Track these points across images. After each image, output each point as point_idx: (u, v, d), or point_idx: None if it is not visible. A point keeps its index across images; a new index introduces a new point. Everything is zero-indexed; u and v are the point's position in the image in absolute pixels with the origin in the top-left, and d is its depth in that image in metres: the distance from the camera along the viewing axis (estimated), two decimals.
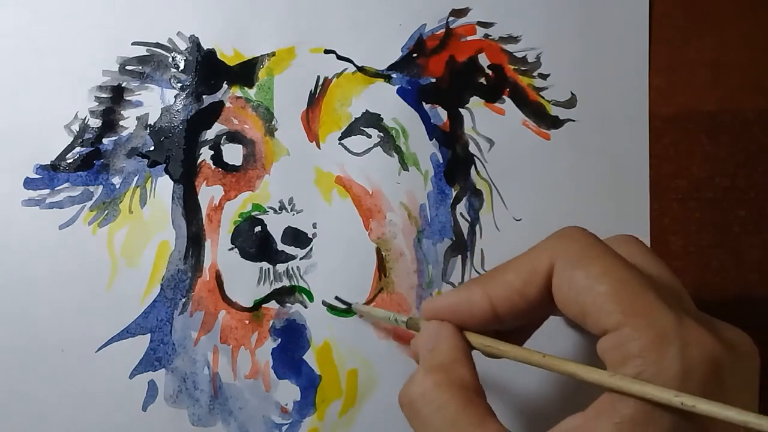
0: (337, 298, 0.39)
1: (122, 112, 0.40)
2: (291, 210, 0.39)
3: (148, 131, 0.40)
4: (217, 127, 0.40)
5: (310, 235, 0.39)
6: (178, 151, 0.40)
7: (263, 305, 0.39)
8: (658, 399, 0.24)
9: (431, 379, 0.29)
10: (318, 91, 0.40)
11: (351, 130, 0.40)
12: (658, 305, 0.26)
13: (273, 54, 0.41)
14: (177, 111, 0.40)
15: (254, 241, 0.39)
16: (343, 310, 0.39)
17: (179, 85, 0.40)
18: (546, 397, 0.33)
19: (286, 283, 0.39)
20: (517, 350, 0.29)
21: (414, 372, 0.30)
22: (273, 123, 0.40)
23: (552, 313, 0.31)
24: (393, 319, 0.35)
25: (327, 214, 0.40)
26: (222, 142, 0.40)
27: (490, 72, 0.41)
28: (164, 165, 0.40)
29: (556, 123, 0.41)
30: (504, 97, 0.41)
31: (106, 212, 0.39)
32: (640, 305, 0.26)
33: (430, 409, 0.28)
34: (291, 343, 0.39)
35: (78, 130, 0.40)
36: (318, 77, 0.40)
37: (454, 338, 0.30)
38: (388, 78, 0.41)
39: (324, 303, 0.39)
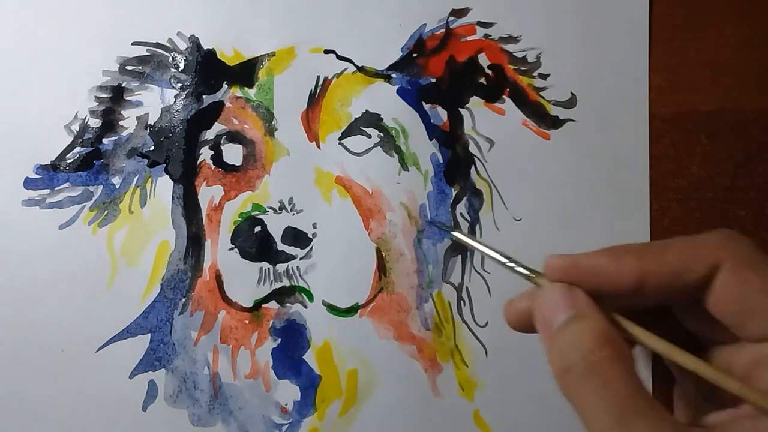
0: (433, 222, 0.38)
1: (122, 112, 0.40)
2: (291, 210, 0.39)
3: (148, 131, 0.40)
4: (217, 127, 0.40)
5: (310, 235, 0.39)
6: (178, 151, 0.40)
7: (263, 305, 0.39)
8: None
9: (604, 351, 0.27)
10: (318, 91, 0.40)
11: (351, 130, 0.40)
12: None
13: (273, 54, 0.41)
14: (177, 111, 0.40)
15: (254, 241, 0.39)
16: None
17: (179, 85, 0.40)
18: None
19: (286, 283, 0.39)
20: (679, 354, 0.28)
21: (569, 337, 0.27)
22: (273, 123, 0.40)
23: (685, 304, 0.30)
24: (510, 264, 0.30)
25: (327, 214, 0.40)
26: (222, 142, 0.40)
27: (490, 72, 0.41)
28: (164, 165, 0.40)
29: (556, 123, 0.41)
30: (504, 97, 0.41)
31: (106, 212, 0.39)
32: None
33: (604, 380, 0.26)
34: (291, 343, 0.39)
35: (78, 130, 0.40)
36: (318, 77, 0.40)
37: (599, 312, 0.28)
38: (388, 78, 0.41)
39: (324, 303, 0.39)
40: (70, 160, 0.40)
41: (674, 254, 0.28)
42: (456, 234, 0.32)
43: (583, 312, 0.28)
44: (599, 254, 0.29)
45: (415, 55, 0.41)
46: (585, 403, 0.26)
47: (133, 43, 0.40)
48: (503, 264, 0.30)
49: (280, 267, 0.39)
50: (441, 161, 0.40)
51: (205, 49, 0.40)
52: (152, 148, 0.40)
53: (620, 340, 0.27)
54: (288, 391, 0.39)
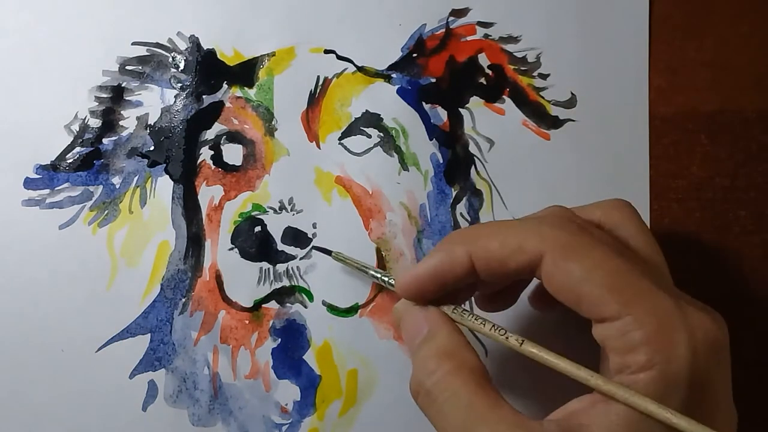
0: (315, 247, 0.39)
1: (122, 112, 0.40)
2: (291, 210, 0.39)
3: (148, 131, 0.40)
4: (217, 127, 0.40)
5: (310, 235, 0.39)
6: (178, 151, 0.40)
7: (263, 305, 0.39)
8: (644, 410, 0.26)
9: (443, 368, 0.29)
10: (318, 91, 0.40)
11: (351, 130, 0.40)
12: (655, 292, 0.27)
13: (273, 54, 0.41)
14: (177, 111, 0.40)
15: (254, 241, 0.39)
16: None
17: (179, 85, 0.40)
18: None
19: (286, 283, 0.39)
20: (493, 334, 0.30)
21: (419, 361, 0.30)
22: (273, 123, 0.40)
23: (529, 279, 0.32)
24: (381, 278, 0.36)
25: (327, 214, 0.40)
26: (222, 142, 0.40)
27: (490, 72, 0.41)
28: (164, 165, 0.40)
29: (556, 123, 0.41)
30: (504, 97, 0.41)
31: (106, 212, 0.39)
32: (638, 294, 0.27)
33: (445, 396, 0.29)
34: (291, 343, 0.39)
35: (78, 130, 0.40)
36: (318, 77, 0.40)
37: (448, 323, 0.31)
38: (388, 78, 0.41)
39: (324, 303, 0.39)
40: (70, 160, 0.40)
41: (499, 242, 0.30)
42: (336, 255, 0.38)
43: (431, 331, 0.31)
44: (434, 253, 0.31)
45: (415, 55, 0.41)
46: (435, 421, 0.29)
47: (133, 43, 0.40)
48: (372, 275, 0.36)
49: (280, 267, 0.39)
50: (441, 161, 0.40)
51: (205, 49, 0.40)
52: (152, 148, 0.40)
53: (463, 350, 0.30)
54: (288, 391, 0.39)
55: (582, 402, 0.28)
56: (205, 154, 0.40)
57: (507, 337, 0.30)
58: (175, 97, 0.40)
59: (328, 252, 0.38)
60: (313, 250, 0.39)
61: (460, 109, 0.41)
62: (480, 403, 0.28)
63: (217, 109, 0.40)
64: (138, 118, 0.40)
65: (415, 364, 0.30)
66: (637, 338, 0.26)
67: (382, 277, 0.36)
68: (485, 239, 0.30)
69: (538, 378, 0.35)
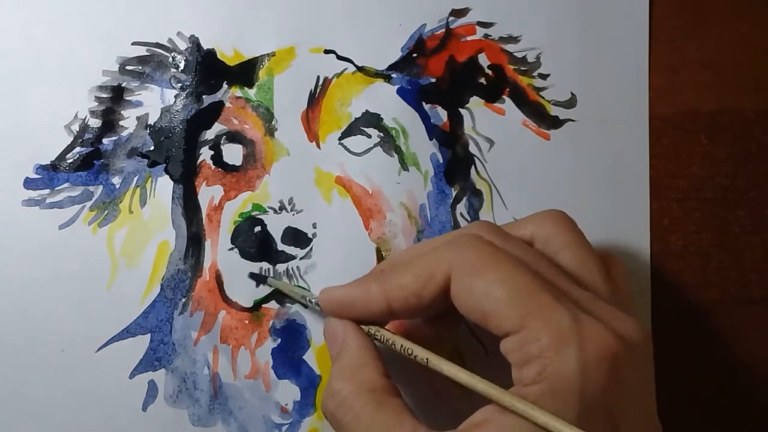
0: (251, 274, 0.39)
1: (122, 112, 0.40)
2: (291, 210, 0.39)
3: (148, 131, 0.40)
4: (217, 127, 0.40)
5: (310, 235, 0.39)
6: (178, 151, 0.40)
7: (263, 305, 0.39)
8: (537, 421, 0.26)
9: (345, 389, 0.30)
10: (318, 91, 0.40)
11: (351, 130, 0.40)
12: (553, 306, 0.27)
13: (273, 54, 0.41)
14: (177, 111, 0.40)
15: (254, 241, 0.39)
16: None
17: (179, 85, 0.40)
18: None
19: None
20: (408, 344, 0.31)
21: (329, 380, 0.31)
22: (273, 123, 0.40)
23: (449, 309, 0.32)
24: (308, 300, 0.36)
25: (327, 214, 0.40)
26: (222, 142, 0.40)
27: (490, 72, 0.41)
28: (164, 165, 0.40)
29: (556, 123, 0.41)
30: (504, 97, 0.41)
31: (106, 212, 0.39)
32: (537, 307, 0.27)
33: (348, 418, 0.29)
34: (291, 343, 0.39)
35: (78, 130, 0.40)
36: (318, 77, 0.40)
37: (358, 339, 0.32)
38: (388, 78, 0.41)
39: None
40: (70, 160, 0.40)
41: (411, 275, 0.30)
42: (270, 281, 0.38)
43: (341, 348, 0.32)
44: (353, 284, 0.32)
45: (415, 55, 0.41)
46: None
47: (133, 43, 0.40)
48: (303, 300, 0.37)
49: (280, 267, 0.39)
50: (441, 161, 0.40)
51: (205, 49, 0.40)
52: (152, 148, 0.40)
53: (366, 369, 0.30)
54: (288, 391, 0.39)
55: (484, 413, 0.28)
56: (205, 154, 0.40)
57: (415, 356, 0.30)
58: (175, 97, 0.40)
59: (263, 279, 0.39)
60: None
61: (460, 109, 0.41)
62: (380, 423, 0.28)
63: (217, 109, 0.40)
64: (138, 118, 0.40)
65: (327, 384, 0.31)
66: (532, 351, 0.26)
67: (315, 303, 0.36)
68: (399, 275, 0.31)
69: None
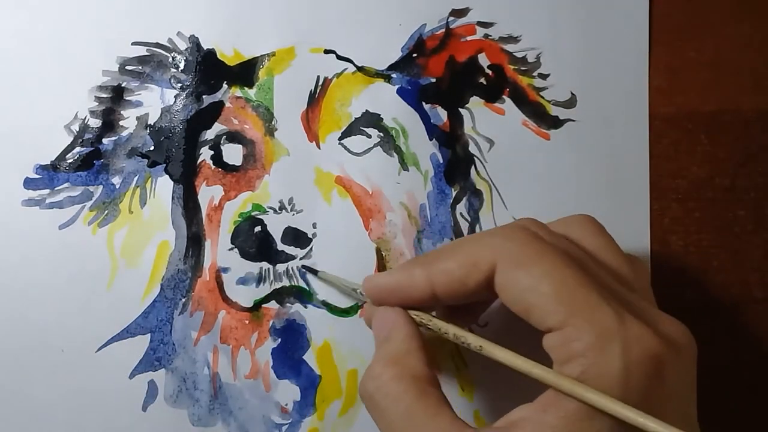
0: (304, 266, 0.39)
1: (122, 112, 0.40)
2: (291, 210, 0.39)
3: (148, 131, 0.40)
4: (217, 127, 0.40)
5: (310, 235, 0.39)
6: (178, 151, 0.40)
7: (263, 305, 0.39)
8: (596, 404, 0.25)
9: (387, 373, 0.30)
10: (318, 91, 0.40)
11: (351, 130, 0.40)
12: (599, 304, 0.27)
13: (273, 54, 0.41)
14: (177, 111, 0.40)
15: (254, 241, 0.39)
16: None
17: (179, 85, 0.40)
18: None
19: (286, 283, 0.39)
20: (461, 333, 0.31)
21: (371, 363, 0.31)
22: (273, 123, 0.40)
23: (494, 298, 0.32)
24: (358, 292, 0.36)
25: (327, 214, 0.40)
26: (222, 142, 0.40)
27: (490, 72, 0.41)
28: (164, 165, 0.40)
29: (556, 123, 0.41)
30: (504, 97, 0.41)
31: (106, 212, 0.39)
32: (582, 304, 0.27)
33: (387, 402, 0.29)
34: (291, 343, 0.39)
35: (78, 130, 0.40)
36: (318, 77, 0.40)
37: (406, 327, 0.31)
38: (388, 78, 0.41)
39: (324, 303, 0.39)
40: (70, 160, 0.40)
41: (456, 261, 0.30)
42: (322, 274, 0.39)
43: (390, 335, 0.31)
44: (397, 270, 0.32)
45: (415, 55, 0.41)
46: (377, 424, 0.30)
47: (133, 43, 0.40)
48: (353, 293, 0.37)
49: (280, 267, 0.39)
50: (441, 161, 0.40)
51: (205, 49, 0.40)
52: (152, 148, 0.40)
53: (411, 356, 0.30)
54: (288, 391, 0.39)
55: (521, 411, 0.28)
56: (205, 154, 0.40)
57: (468, 344, 0.30)
58: (175, 97, 0.40)
59: (314, 272, 0.39)
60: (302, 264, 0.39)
61: (460, 109, 0.41)
62: (419, 411, 0.28)
63: (217, 109, 0.40)
64: (138, 118, 0.40)
65: (369, 367, 0.31)
66: (576, 349, 0.26)
67: (360, 293, 0.35)
68: (443, 261, 0.30)
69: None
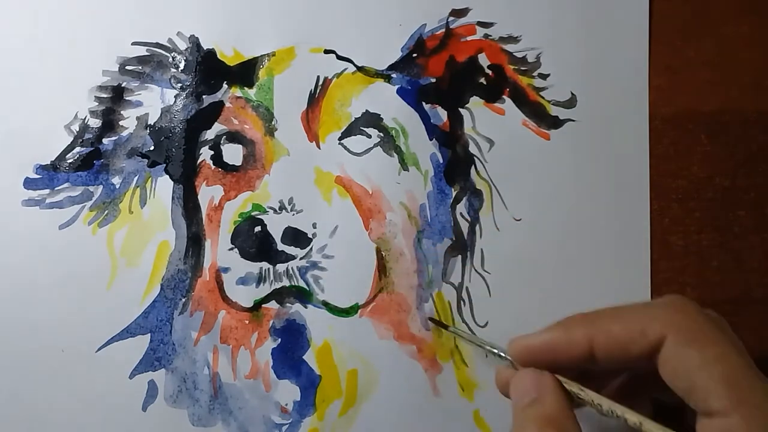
0: (431, 319, 0.39)
1: (122, 112, 0.40)
2: (291, 210, 0.39)
3: (148, 131, 0.40)
4: (217, 127, 0.40)
5: (310, 235, 0.39)
6: (178, 151, 0.40)
7: (263, 305, 0.39)
8: None
9: None
10: (318, 91, 0.40)
11: (351, 130, 0.40)
12: (765, 396, 0.26)
13: (273, 54, 0.41)
14: (177, 111, 0.40)
15: (254, 241, 0.39)
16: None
17: (179, 85, 0.40)
18: None
19: (286, 283, 0.39)
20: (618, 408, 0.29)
21: (522, 421, 0.30)
22: (273, 123, 0.40)
23: (643, 370, 0.31)
24: (497, 353, 0.35)
25: (327, 214, 0.40)
26: (222, 142, 0.40)
27: (490, 72, 0.41)
28: (164, 165, 0.40)
29: (556, 123, 0.41)
30: (504, 97, 0.41)
31: (106, 212, 0.39)
32: (751, 394, 0.27)
33: None
34: (291, 343, 0.39)
35: (78, 130, 0.40)
36: (318, 77, 0.40)
37: (559, 391, 0.31)
38: (388, 78, 0.41)
39: (324, 303, 0.39)
40: (70, 160, 0.40)
41: (622, 326, 0.29)
42: (451, 329, 0.38)
43: (541, 397, 0.30)
44: (551, 329, 0.31)
45: (415, 55, 0.41)
46: None
47: (133, 43, 0.40)
48: (490, 352, 0.35)
49: (280, 267, 0.39)
50: (441, 161, 0.40)
51: (205, 49, 0.40)
52: (152, 148, 0.40)
53: (567, 421, 0.30)
54: (288, 391, 0.39)
55: None
56: (205, 154, 0.40)
57: (625, 419, 0.29)
58: (175, 97, 0.40)
59: (444, 326, 0.39)
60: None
61: (460, 109, 0.41)
62: None
63: (217, 109, 0.40)
64: (138, 118, 0.40)
65: (515, 423, 0.30)
66: None
67: (499, 353, 0.35)
68: (607, 322, 0.30)
69: None
